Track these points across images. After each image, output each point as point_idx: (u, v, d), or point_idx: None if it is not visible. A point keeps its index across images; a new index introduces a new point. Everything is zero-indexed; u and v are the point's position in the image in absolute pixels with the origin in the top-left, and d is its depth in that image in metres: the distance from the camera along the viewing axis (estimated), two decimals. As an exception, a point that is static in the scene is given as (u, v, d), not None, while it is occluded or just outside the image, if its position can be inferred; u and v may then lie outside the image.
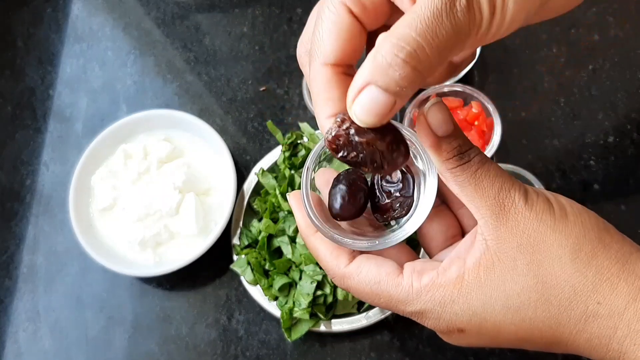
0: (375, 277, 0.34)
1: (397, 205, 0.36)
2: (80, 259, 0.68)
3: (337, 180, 0.36)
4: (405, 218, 0.36)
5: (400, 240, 0.35)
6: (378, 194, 0.37)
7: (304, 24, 0.81)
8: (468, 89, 0.60)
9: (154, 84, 0.76)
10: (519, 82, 0.65)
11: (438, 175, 0.34)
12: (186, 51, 0.76)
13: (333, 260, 0.36)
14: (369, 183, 0.37)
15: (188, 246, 0.63)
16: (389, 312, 0.58)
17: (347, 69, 0.31)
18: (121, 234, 0.65)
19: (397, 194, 0.36)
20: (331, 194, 0.36)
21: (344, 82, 0.30)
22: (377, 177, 0.37)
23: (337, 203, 0.35)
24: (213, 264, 0.64)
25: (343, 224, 0.37)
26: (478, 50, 0.61)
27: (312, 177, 0.37)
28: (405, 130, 0.34)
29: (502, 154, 0.61)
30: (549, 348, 0.33)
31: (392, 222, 0.38)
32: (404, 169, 0.36)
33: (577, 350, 0.32)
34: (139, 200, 0.65)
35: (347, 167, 0.37)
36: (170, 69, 0.76)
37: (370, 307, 0.58)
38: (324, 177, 0.38)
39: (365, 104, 0.27)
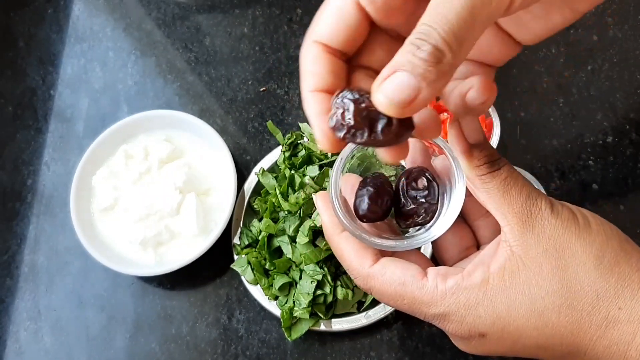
0: (400, 279, 0.35)
1: (422, 211, 0.37)
2: (81, 259, 0.68)
3: (363, 183, 0.37)
4: (429, 224, 0.37)
5: (428, 241, 0.36)
6: (403, 199, 0.37)
7: (304, 25, 0.82)
8: (467, 90, 0.60)
9: (155, 85, 0.76)
10: (518, 82, 0.66)
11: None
12: (187, 52, 0.77)
13: (357, 260, 0.36)
14: (394, 188, 0.38)
15: (189, 246, 0.64)
16: (389, 312, 0.58)
17: (337, 53, 0.31)
18: (122, 234, 0.65)
19: (423, 200, 0.37)
20: (358, 196, 0.37)
21: (331, 62, 0.31)
22: (402, 182, 0.37)
23: (365, 204, 0.36)
24: (213, 264, 0.64)
25: (365, 227, 0.38)
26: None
27: (340, 178, 0.38)
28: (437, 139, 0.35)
29: (501, 154, 0.61)
30: (564, 358, 0.34)
31: (412, 230, 0.39)
32: (429, 177, 0.37)
33: None
34: (140, 201, 0.65)
35: (371, 173, 0.38)
36: (171, 69, 0.76)
37: (370, 307, 0.58)
38: (349, 183, 0.39)
39: (390, 88, 0.26)
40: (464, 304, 0.33)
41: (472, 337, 0.34)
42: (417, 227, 0.38)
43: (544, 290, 0.32)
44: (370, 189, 0.36)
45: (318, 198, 0.39)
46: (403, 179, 0.37)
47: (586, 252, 0.32)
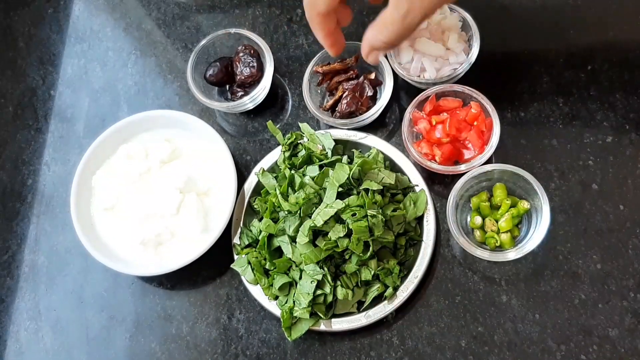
0: None
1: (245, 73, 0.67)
2: (81, 259, 0.68)
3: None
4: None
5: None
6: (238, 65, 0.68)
7: (304, 25, 0.82)
8: (467, 90, 0.60)
9: (155, 85, 0.76)
10: (518, 82, 0.66)
11: None
12: (187, 51, 0.77)
13: None
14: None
15: (189, 246, 0.64)
16: (388, 312, 0.58)
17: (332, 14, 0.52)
18: (122, 234, 0.65)
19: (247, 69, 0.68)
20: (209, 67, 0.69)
21: (333, 22, 0.53)
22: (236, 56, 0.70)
23: (210, 71, 0.67)
24: (214, 264, 0.64)
25: None
26: (477, 51, 0.62)
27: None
28: None
29: (501, 154, 0.61)
30: None
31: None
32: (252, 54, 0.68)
33: None
34: (140, 201, 0.65)
35: None
36: (171, 69, 0.76)
37: (370, 307, 0.58)
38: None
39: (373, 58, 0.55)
40: None
41: None
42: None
43: None
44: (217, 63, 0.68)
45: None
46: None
47: None
